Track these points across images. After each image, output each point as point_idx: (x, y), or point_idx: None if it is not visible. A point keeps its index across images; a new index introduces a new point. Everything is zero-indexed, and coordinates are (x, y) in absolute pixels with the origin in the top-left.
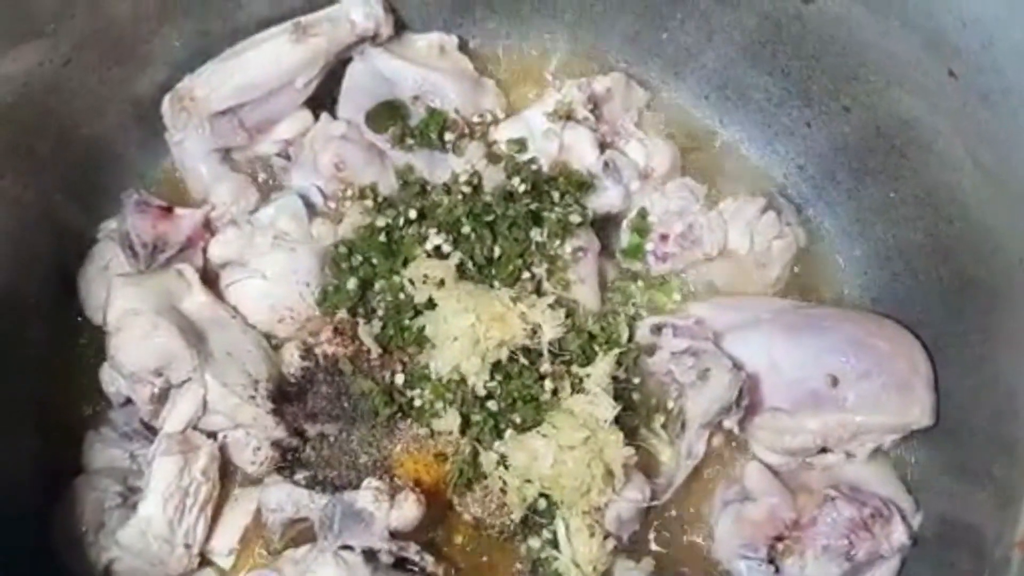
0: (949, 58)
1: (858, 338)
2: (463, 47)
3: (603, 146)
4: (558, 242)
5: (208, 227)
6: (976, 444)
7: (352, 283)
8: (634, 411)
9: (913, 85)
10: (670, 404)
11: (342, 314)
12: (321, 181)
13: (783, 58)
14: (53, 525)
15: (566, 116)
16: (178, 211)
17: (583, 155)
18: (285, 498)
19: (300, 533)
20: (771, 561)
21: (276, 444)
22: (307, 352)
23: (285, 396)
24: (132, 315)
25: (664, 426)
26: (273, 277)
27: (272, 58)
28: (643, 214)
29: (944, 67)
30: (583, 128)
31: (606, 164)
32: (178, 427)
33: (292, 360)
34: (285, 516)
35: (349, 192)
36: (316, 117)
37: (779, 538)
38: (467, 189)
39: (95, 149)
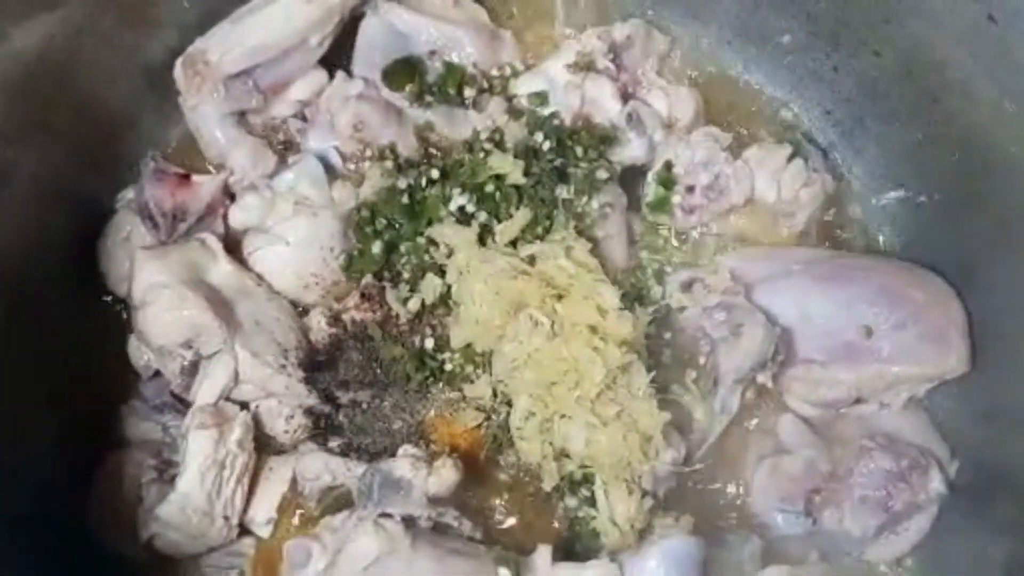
0: (989, 3)
1: (891, 288)
2: None
3: (625, 97)
4: (585, 199)
5: (227, 193)
6: (1013, 390)
7: (377, 247)
8: (667, 368)
9: (950, 29)
10: (702, 360)
11: (368, 279)
12: (339, 142)
13: (811, 1)
14: (89, 503)
15: (587, 67)
16: (196, 178)
17: (606, 107)
18: (322, 466)
19: (336, 499)
20: (808, 514)
21: (309, 412)
22: (334, 319)
23: (316, 364)
24: (159, 288)
25: (696, 382)
26: (296, 243)
27: (284, 17)
28: (668, 166)
29: (984, 11)
30: (604, 79)
31: (629, 116)
32: (210, 399)
33: (319, 327)
34: (322, 484)
35: (368, 152)
36: (331, 76)
37: (816, 491)
38: (489, 146)
39: (110, 119)
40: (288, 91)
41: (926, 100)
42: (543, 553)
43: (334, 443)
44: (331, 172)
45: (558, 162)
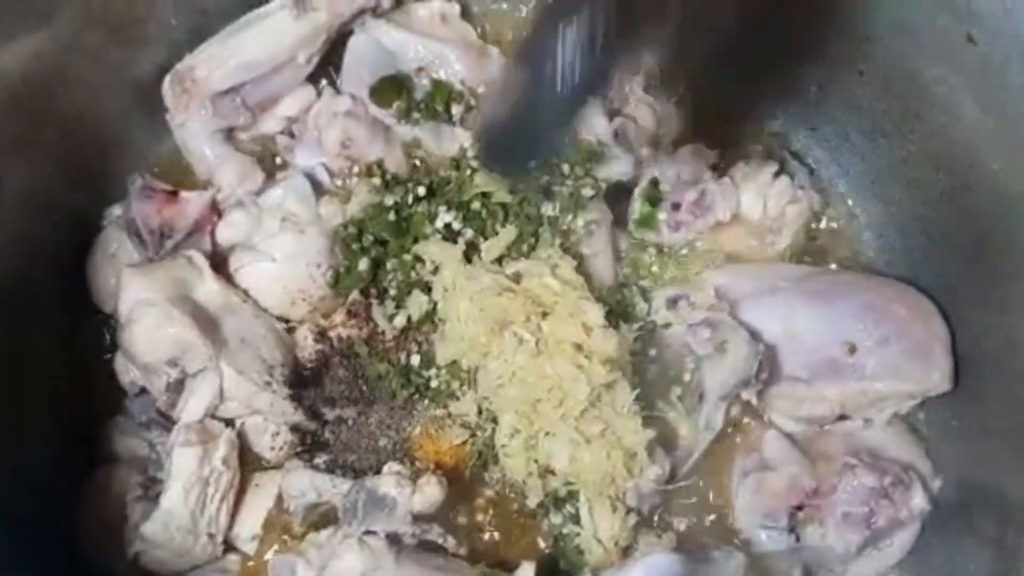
0: (969, 22)
1: (875, 304)
2: (465, 14)
3: (612, 113)
4: (570, 216)
5: (215, 210)
6: (996, 407)
7: (364, 264)
8: (652, 384)
9: (931, 49)
10: (687, 376)
11: (355, 295)
12: (327, 159)
13: (795, 18)
14: (77, 520)
15: None
16: (184, 195)
17: (592, 124)
18: (307, 484)
19: (321, 516)
20: (792, 530)
21: (295, 429)
22: (321, 335)
23: (302, 380)
24: (145, 306)
25: (681, 399)
26: (283, 259)
27: (273, 34)
28: (655, 183)
29: (963, 31)
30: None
31: (616, 132)
32: (196, 417)
33: (306, 344)
34: (308, 501)
35: (355, 169)
36: (319, 92)
37: (799, 507)
38: (475, 164)
39: (98, 135)
40: (276, 108)
41: (910, 117)
42: (527, 570)
43: (320, 460)
44: (318, 189)
45: (544, 179)
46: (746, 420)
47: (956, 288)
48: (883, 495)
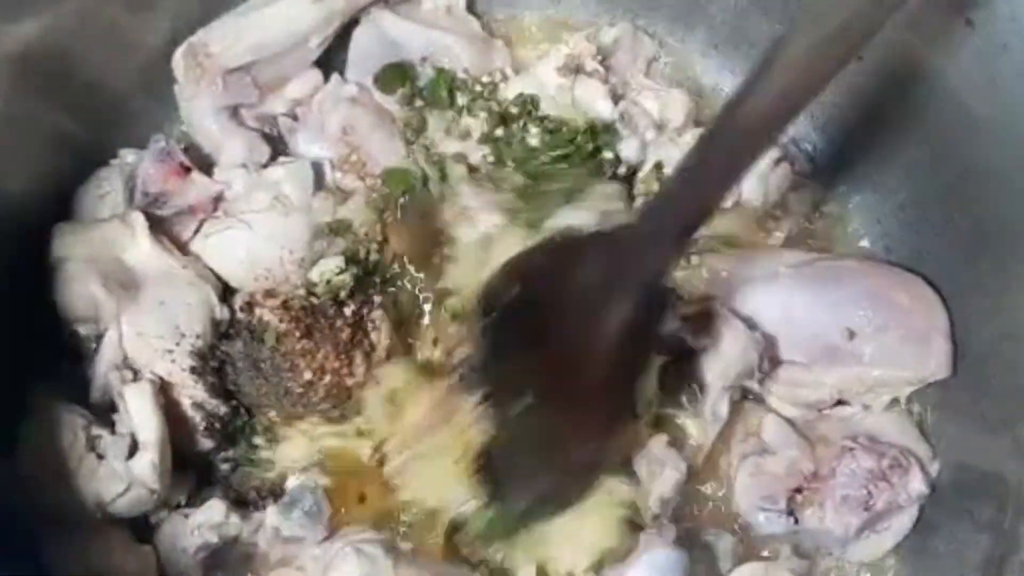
0: (967, 6)
1: (875, 291)
2: (470, 7)
3: (615, 98)
4: None
5: (214, 203)
6: (994, 394)
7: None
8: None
9: (929, 34)
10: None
11: (300, 292)
12: (327, 144)
13: (794, 6)
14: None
15: (576, 70)
16: (195, 175)
17: (597, 108)
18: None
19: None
20: (790, 513)
21: (199, 408)
22: (248, 306)
23: (211, 363)
24: (63, 262)
25: (686, 397)
26: (260, 233)
27: (289, 16)
28: (659, 167)
29: (961, 16)
30: (595, 80)
31: (621, 116)
32: (99, 377)
33: (268, 319)
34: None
35: (354, 157)
36: (326, 78)
37: (798, 490)
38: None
39: (111, 109)
40: (283, 89)
41: (910, 106)
42: (527, 572)
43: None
44: (319, 182)
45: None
46: (745, 404)
47: (956, 275)
48: (881, 478)
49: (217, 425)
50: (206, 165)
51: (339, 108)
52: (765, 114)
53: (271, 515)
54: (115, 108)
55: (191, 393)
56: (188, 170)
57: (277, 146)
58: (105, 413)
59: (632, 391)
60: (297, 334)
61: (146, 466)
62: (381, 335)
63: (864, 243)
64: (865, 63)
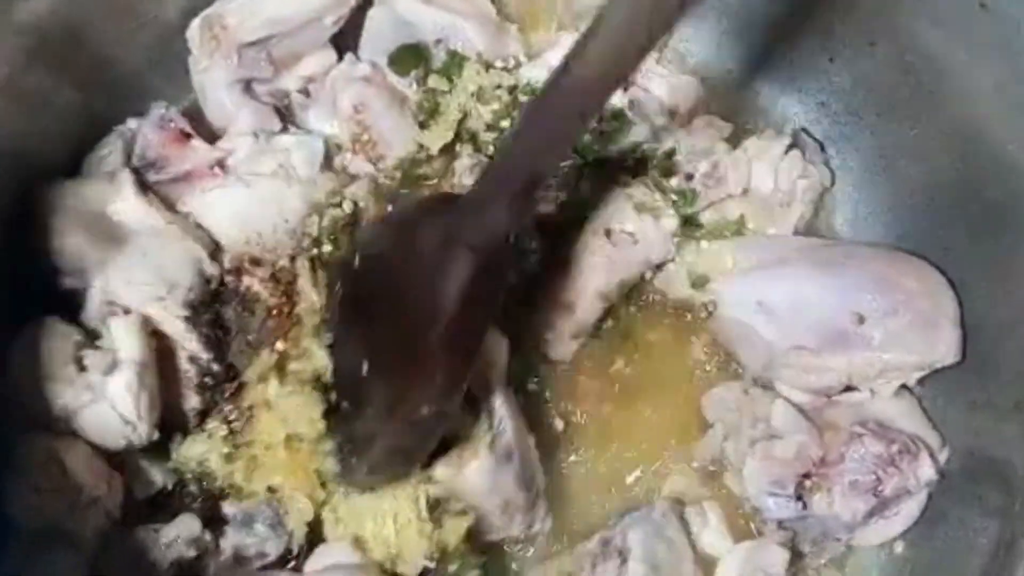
0: None
1: (883, 276)
2: None
3: (625, 85)
4: None
5: (213, 172)
6: (1002, 379)
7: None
8: None
9: (942, 18)
10: None
11: (284, 263)
12: (338, 122)
13: None
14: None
15: None
16: (194, 142)
17: None
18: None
19: None
20: (799, 497)
21: (194, 361)
22: (237, 271)
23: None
24: (49, 215)
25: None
26: (259, 196)
27: None
28: (670, 153)
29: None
30: None
31: (631, 102)
32: (92, 320)
33: (257, 290)
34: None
35: (365, 137)
36: (340, 57)
37: (807, 475)
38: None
39: (122, 83)
40: (297, 66)
41: (922, 91)
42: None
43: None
44: (327, 161)
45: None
46: (754, 390)
47: (965, 261)
48: (890, 463)
49: (209, 382)
50: (210, 136)
51: (352, 86)
52: (588, 81)
53: (231, 534)
54: (126, 82)
55: (187, 344)
56: (189, 137)
57: (287, 121)
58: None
59: (474, 351)
60: (286, 311)
61: (120, 385)
62: None
63: (874, 229)
64: (877, 48)
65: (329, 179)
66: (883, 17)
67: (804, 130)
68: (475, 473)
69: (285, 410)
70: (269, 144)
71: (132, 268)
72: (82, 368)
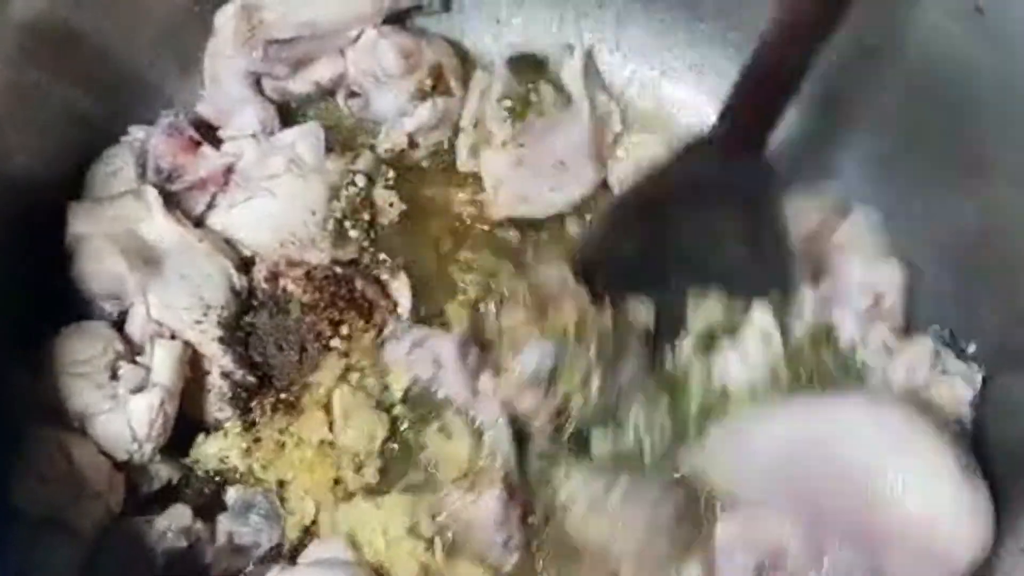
0: None
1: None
2: None
3: None
4: None
5: (225, 177)
6: None
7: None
8: None
9: (940, 20)
10: None
11: (324, 259)
12: (398, 83)
13: None
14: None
15: None
16: (204, 149)
17: None
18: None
19: None
20: None
21: (227, 376)
22: (274, 277)
23: (237, 334)
24: (82, 240)
25: None
26: (282, 198)
27: (343, 1)
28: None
29: (972, 2)
30: None
31: None
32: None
33: (257, 277)
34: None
35: (428, 81)
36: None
37: None
38: None
39: (121, 82)
40: (308, 69)
41: (918, 96)
42: None
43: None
44: (328, 145)
45: None
46: None
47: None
48: None
49: (243, 395)
50: (213, 138)
51: (385, 43)
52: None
53: (223, 521)
54: (126, 81)
55: (221, 362)
56: (198, 144)
57: (289, 121)
58: None
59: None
60: (322, 304)
61: (142, 405)
62: (403, 295)
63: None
64: (875, 51)
65: (335, 161)
66: (880, 14)
67: None
68: (493, 500)
69: (352, 420)
70: (272, 143)
71: (171, 292)
72: (114, 377)
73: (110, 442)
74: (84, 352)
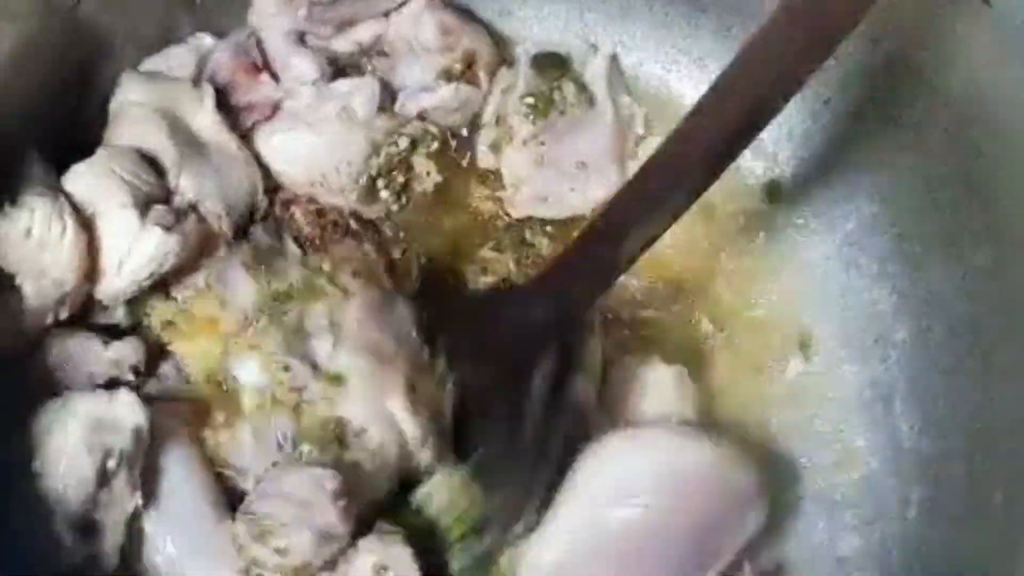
0: None
1: None
2: None
3: None
4: None
5: (272, 108)
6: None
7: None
8: None
9: (944, 14)
10: None
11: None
12: (428, 58)
13: None
14: None
15: None
16: (264, 76)
17: None
18: None
19: None
20: None
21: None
22: (286, 204)
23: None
24: (132, 106)
25: None
26: (326, 139)
27: None
28: None
29: None
30: None
31: None
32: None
33: (298, 218)
34: None
35: (458, 66)
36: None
37: None
38: None
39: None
40: (351, 31)
41: (925, 88)
42: None
43: None
44: (382, 105)
45: None
46: None
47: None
48: None
49: None
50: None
51: (426, 16)
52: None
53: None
54: None
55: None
56: (260, 70)
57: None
58: None
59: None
60: (317, 243)
61: (156, 239)
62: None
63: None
64: (880, 45)
65: (386, 120)
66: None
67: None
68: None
69: None
70: (328, 90)
71: (204, 177)
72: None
73: (106, 241)
74: (129, 171)
